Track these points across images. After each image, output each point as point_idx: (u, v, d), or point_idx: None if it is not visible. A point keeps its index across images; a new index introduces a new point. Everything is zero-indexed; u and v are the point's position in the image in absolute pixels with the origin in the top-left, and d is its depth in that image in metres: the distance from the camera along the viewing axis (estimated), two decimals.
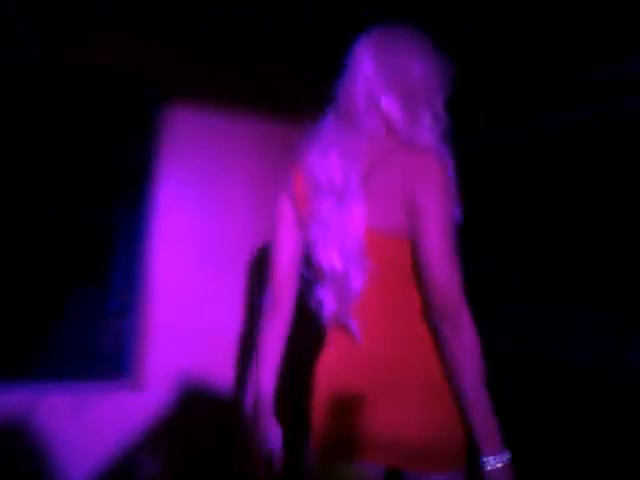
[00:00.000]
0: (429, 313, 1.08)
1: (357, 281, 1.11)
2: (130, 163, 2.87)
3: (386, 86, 1.13)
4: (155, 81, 2.60)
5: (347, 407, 1.13)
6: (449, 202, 1.06)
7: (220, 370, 2.63)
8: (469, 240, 1.14)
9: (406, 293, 1.12)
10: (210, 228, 2.66)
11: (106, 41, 2.45)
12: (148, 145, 2.65)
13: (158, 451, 2.50)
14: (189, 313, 2.60)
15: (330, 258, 1.14)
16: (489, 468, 1.02)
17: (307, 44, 2.53)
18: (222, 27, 2.45)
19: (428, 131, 1.12)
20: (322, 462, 1.18)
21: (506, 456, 1.03)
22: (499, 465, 1.02)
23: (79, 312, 4.77)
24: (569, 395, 2.27)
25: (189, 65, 2.62)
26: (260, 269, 2.71)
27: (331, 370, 1.19)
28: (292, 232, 1.24)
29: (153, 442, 2.49)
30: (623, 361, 2.15)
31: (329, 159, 1.14)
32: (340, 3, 2.18)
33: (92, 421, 2.39)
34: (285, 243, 1.25)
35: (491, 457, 1.02)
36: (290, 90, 2.75)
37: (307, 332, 1.33)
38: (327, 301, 1.17)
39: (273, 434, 1.23)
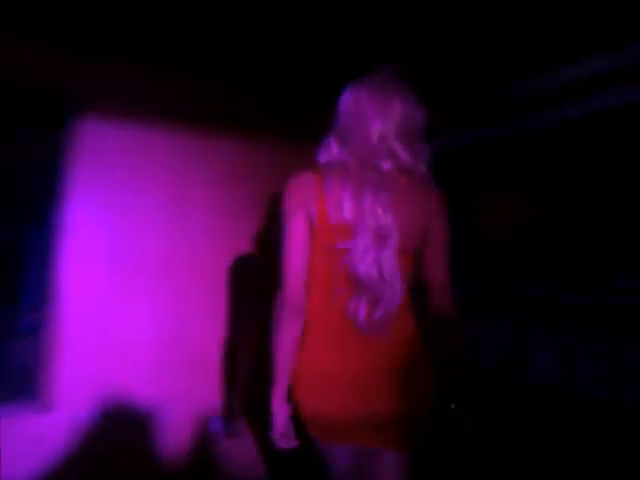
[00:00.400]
0: (429, 311, 1.47)
1: (399, 293, 1.40)
2: (40, 178, 2.82)
3: (396, 132, 1.41)
4: (65, 95, 2.57)
5: (376, 398, 1.39)
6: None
7: (133, 386, 2.62)
8: None
9: (408, 297, 1.46)
10: (120, 244, 2.65)
11: (11, 53, 2.40)
12: (57, 161, 2.61)
13: (69, 470, 2.43)
14: (100, 330, 2.58)
15: (374, 276, 1.38)
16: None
17: (216, 54, 2.56)
18: (137, 38, 2.43)
19: (425, 164, 1.46)
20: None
21: None
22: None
23: None
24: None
25: (100, 79, 2.60)
26: (170, 283, 2.73)
27: (359, 369, 1.41)
28: (306, 249, 1.42)
29: (64, 463, 2.42)
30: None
31: (365, 202, 1.38)
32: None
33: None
34: (302, 258, 1.42)
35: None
36: (202, 103, 2.80)
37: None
38: (362, 308, 1.39)
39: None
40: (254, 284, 2.92)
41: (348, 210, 1.38)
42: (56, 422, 2.45)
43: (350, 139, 1.44)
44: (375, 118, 1.41)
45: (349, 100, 1.46)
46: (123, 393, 2.59)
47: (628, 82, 1.86)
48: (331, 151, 1.48)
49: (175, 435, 2.70)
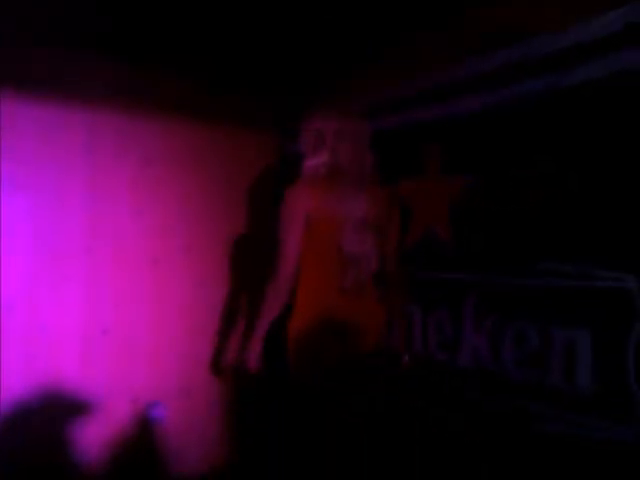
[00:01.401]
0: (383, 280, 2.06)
1: (373, 265, 1.98)
2: None
3: (363, 151, 2.00)
4: None
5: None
6: None
7: (63, 376, 2.50)
8: None
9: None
10: (45, 229, 2.49)
11: None
12: None
13: None
14: (26, 318, 2.43)
15: (357, 253, 1.91)
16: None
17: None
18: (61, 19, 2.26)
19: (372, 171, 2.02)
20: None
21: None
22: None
23: None
24: None
25: (11, 62, 2.39)
26: (99, 268, 2.59)
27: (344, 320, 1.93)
28: (301, 236, 1.89)
29: None
30: None
31: (351, 203, 1.92)
32: None
33: None
34: (298, 243, 1.89)
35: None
36: (119, 82, 2.65)
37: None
38: (349, 277, 1.91)
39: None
40: (184, 265, 2.82)
41: (338, 207, 1.89)
42: None
43: (331, 158, 1.98)
44: (346, 143, 1.98)
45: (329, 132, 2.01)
46: (52, 383, 2.47)
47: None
48: (318, 160, 1.98)
49: (112, 424, 2.61)
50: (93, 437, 2.54)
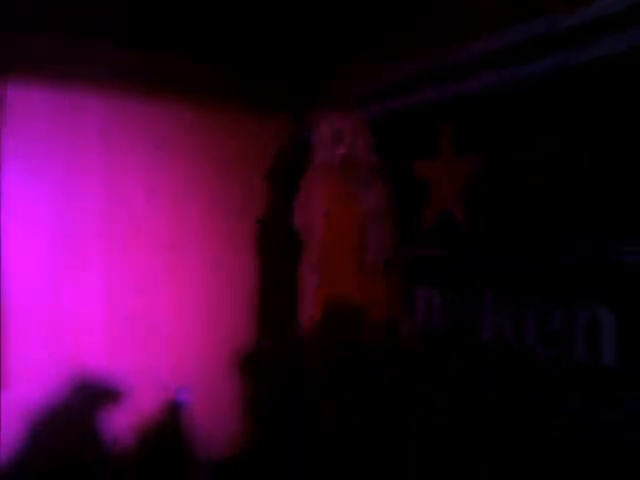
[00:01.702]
0: None
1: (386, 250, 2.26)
2: None
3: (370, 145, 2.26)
4: None
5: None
6: None
7: (88, 362, 2.53)
8: None
9: None
10: (61, 214, 2.52)
11: None
12: None
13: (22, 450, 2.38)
14: (48, 305, 2.47)
15: (375, 240, 2.22)
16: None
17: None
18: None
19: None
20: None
21: None
22: None
23: None
24: None
25: (25, 47, 2.42)
26: (118, 252, 2.62)
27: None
28: (322, 219, 2.21)
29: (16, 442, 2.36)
30: None
31: (365, 193, 2.19)
32: None
33: None
34: (321, 225, 2.17)
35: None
36: (134, 66, 2.65)
37: None
38: (367, 261, 2.20)
39: None
40: (201, 248, 2.84)
41: (354, 196, 2.15)
42: (6, 401, 2.36)
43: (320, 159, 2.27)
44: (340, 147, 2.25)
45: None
46: (77, 370, 2.51)
47: None
48: (335, 152, 2.22)
49: (137, 408, 2.63)
50: (118, 422, 2.58)
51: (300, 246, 2.28)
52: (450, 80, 2.28)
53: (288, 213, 2.88)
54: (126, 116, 2.66)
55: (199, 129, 2.86)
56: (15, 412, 2.37)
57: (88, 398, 2.54)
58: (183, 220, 2.81)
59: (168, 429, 2.73)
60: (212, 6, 2.35)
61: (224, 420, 2.85)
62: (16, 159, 2.42)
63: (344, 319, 2.15)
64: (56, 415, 2.45)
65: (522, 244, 2.02)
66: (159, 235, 2.74)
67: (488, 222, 2.16)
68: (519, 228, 2.04)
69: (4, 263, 2.39)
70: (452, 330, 2.29)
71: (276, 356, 2.11)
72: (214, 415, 2.82)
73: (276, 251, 2.99)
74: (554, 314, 1.91)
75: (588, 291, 1.80)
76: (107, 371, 2.57)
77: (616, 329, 1.73)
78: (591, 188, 1.79)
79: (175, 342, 2.75)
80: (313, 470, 2.35)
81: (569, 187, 1.86)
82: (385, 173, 2.27)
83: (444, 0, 2.22)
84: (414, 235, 2.30)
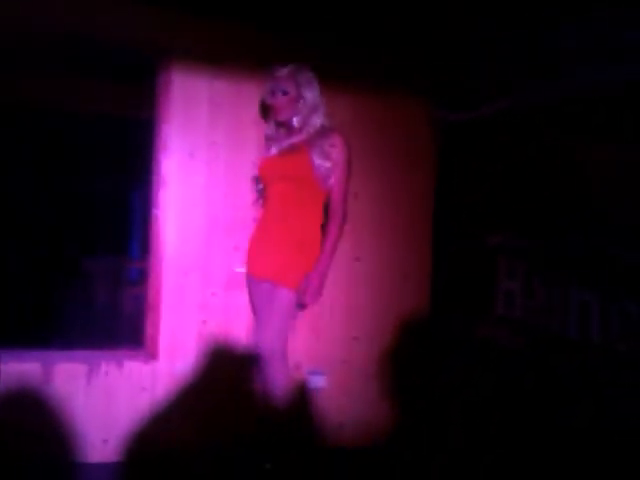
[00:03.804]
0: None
1: None
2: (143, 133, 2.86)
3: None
4: (155, 49, 2.54)
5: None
6: None
7: (235, 339, 2.61)
8: None
9: None
10: (218, 199, 2.61)
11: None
12: (153, 114, 2.61)
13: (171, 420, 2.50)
14: (198, 282, 2.58)
15: None
16: None
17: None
18: None
19: None
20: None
21: None
22: None
23: (99, 281, 4.83)
24: None
25: (189, 29, 2.54)
26: None
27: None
28: None
29: (162, 413, 2.48)
30: None
31: None
32: None
33: (104, 389, 2.41)
34: None
35: None
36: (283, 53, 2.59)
37: None
38: None
39: None
40: (348, 242, 2.78)
41: None
42: (158, 371, 2.50)
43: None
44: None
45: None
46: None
47: None
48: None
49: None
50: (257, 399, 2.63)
51: None
52: None
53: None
54: None
55: (340, 117, 2.81)
56: (162, 383, 2.50)
57: (231, 375, 2.62)
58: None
59: (298, 413, 2.73)
60: None
61: (360, 407, 2.79)
62: (178, 142, 2.54)
63: None
64: (200, 388, 2.55)
65: None
66: None
67: None
68: None
69: (165, 239, 2.54)
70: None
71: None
72: (350, 401, 2.78)
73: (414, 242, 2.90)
74: None
75: None
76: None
77: None
78: None
79: (314, 325, 2.74)
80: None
81: None
82: None
83: None
84: None
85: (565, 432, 2.19)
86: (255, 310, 2.44)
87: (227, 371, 2.60)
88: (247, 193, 2.61)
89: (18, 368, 2.33)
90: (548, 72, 2.42)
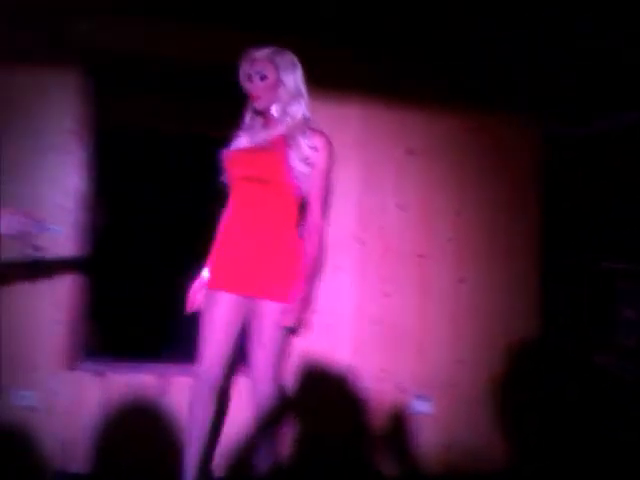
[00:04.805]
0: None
1: None
2: None
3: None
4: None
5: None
6: None
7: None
8: None
9: None
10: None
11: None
12: None
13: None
14: None
15: None
16: None
17: None
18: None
19: None
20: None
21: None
22: None
23: None
24: None
25: None
26: (368, 260, 2.68)
27: None
28: None
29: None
30: None
31: None
32: None
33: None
34: None
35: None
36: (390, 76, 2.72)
37: None
38: None
39: None
40: (448, 260, 2.76)
41: None
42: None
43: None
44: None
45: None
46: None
47: None
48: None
49: (373, 411, 2.66)
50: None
51: None
52: None
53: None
54: (381, 124, 2.73)
55: (446, 135, 2.80)
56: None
57: (332, 393, 2.63)
58: (431, 230, 2.78)
59: (397, 436, 2.68)
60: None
61: (468, 431, 2.71)
62: None
63: None
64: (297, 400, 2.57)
65: None
66: (408, 244, 2.75)
67: None
68: None
69: None
70: None
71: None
72: (457, 425, 2.71)
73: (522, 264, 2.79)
74: None
75: None
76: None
77: None
78: None
79: (419, 349, 2.71)
80: None
81: None
82: None
83: None
84: None
85: None
86: (215, 329, 1.95)
87: (323, 389, 2.62)
88: (347, 213, 2.67)
89: (135, 380, 2.44)
90: None
